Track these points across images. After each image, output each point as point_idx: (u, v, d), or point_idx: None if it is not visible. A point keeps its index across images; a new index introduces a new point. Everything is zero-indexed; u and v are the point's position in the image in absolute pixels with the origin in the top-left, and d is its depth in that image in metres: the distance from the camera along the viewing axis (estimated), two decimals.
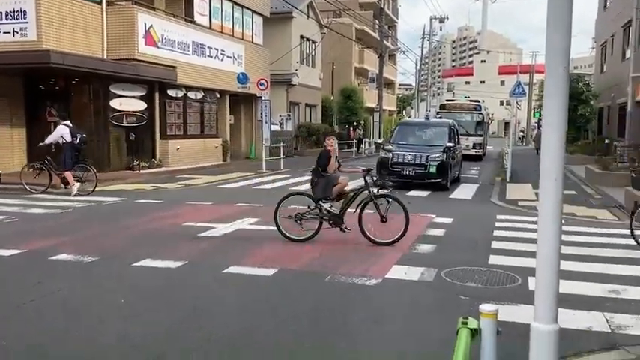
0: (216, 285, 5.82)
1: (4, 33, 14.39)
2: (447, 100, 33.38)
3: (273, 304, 5.22)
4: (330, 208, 7.99)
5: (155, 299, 5.32)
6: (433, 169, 14.27)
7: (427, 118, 17.98)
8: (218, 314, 4.92)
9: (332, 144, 8.22)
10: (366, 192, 7.94)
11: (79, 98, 16.56)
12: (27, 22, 14.25)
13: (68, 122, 12.63)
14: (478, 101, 29.82)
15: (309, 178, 8.37)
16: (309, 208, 8.07)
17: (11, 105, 15.95)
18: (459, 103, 29.99)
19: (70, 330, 4.49)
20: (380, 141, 20.58)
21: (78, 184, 12.29)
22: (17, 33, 14.33)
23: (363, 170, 8.03)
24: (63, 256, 6.81)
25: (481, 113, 28.48)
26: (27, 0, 14.18)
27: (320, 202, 7.99)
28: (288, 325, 4.70)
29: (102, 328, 4.54)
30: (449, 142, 15.33)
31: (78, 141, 12.41)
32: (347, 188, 8.17)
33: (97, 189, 12.56)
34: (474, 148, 26.80)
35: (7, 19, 14.37)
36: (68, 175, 12.28)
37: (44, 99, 16.66)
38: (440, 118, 24.11)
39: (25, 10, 14.23)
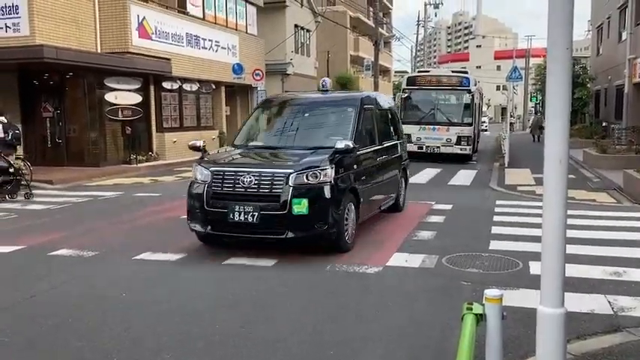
0: (216, 277, 5.80)
1: None
2: (420, 72, 22.84)
3: (274, 295, 5.21)
4: None
5: (156, 293, 5.30)
6: (299, 207, 6.30)
7: (324, 89, 8.72)
8: (219, 307, 4.90)
9: None
10: None
11: (74, 92, 16.48)
12: (19, 17, 14.11)
13: (2, 118, 12.54)
14: (466, 72, 20.61)
15: None
16: None
17: (6, 101, 15.85)
18: (436, 76, 20.17)
19: (71, 325, 4.47)
20: None
21: None
22: (10, 28, 14.19)
23: None
24: (63, 252, 6.78)
25: (469, 90, 19.03)
26: None
27: None
28: (289, 315, 4.68)
29: (102, 322, 4.52)
30: (353, 138, 7.21)
31: (10, 137, 12.30)
32: None
33: (94, 184, 12.51)
34: (458, 143, 18.60)
35: None
36: None
37: (39, 94, 16.58)
38: (407, 97, 19.62)
39: (17, 5, 14.08)
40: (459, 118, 19.07)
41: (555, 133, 2.01)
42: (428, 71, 22.78)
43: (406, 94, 19.58)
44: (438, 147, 18.51)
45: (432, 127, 18.75)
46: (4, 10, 14.19)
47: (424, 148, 18.70)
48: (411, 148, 18.17)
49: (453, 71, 21.42)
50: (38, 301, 5.06)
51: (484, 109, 54.16)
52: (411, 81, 20.29)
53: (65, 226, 8.44)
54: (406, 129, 18.66)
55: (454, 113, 19.27)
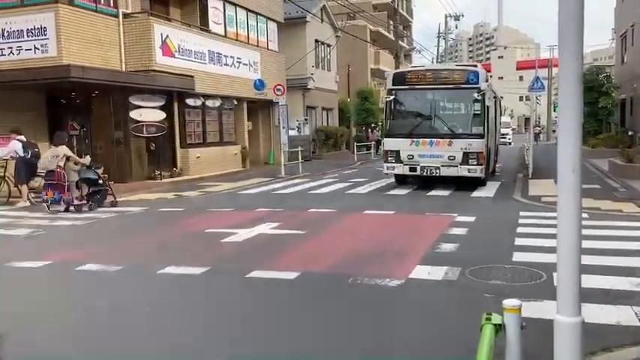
0: (240, 290, 5.86)
1: (26, 50, 14.72)
2: (413, 67, 17.77)
3: (296, 307, 5.24)
4: None
5: (180, 307, 5.37)
6: None
7: None
8: (244, 321, 4.95)
9: None
10: None
11: (100, 110, 16.86)
12: (47, 39, 14.56)
13: (22, 137, 13.06)
14: (475, 66, 15.87)
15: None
16: None
17: (35, 120, 16.29)
18: (432, 71, 14.89)
19: (97, 339, 4.56)
20: None
21: (27, 202, 12.72)
22: (38, 49, 14.64)
23: None
24: (89, 266, 6.91)
25: (478, 89, 13.70)
26: (47, 17, 14.50)
27: None
28: (311, 328, 4.70)
29: (128, 336, 4.60)
30: None
31: (30, 155, 12.72)
32: None
33: (120, 199, 12.72)
34: (464, 162, 13.76)
35: (28, 36, 14.70)
36: (23, 188, 12.84)
37: (66, 113, 17.01)
38: (394, 100, 14.42)
39: (45, 27, 14.54)
40: (465, 128, 14.14)
41: (568, 142, 2.02)
42: (422, 65, 18.20)
43: (392, 97, 14.44)
44: (437, 168, 13.91)
45: (428, 140, 13.99)
46: (33, 32, 14.66)
47: (418, 169, 14.16)
48: (401, 170, 14.44)
49: (457, 65, 17.32)
50: (65, 315, 5.17)
51: (507, 119, 53.60)
52: (399, 79, 14.74)
53: (92, 242, 8.61)
54: (394, 144, 14.44)
55: (458, 121, 14.42)
